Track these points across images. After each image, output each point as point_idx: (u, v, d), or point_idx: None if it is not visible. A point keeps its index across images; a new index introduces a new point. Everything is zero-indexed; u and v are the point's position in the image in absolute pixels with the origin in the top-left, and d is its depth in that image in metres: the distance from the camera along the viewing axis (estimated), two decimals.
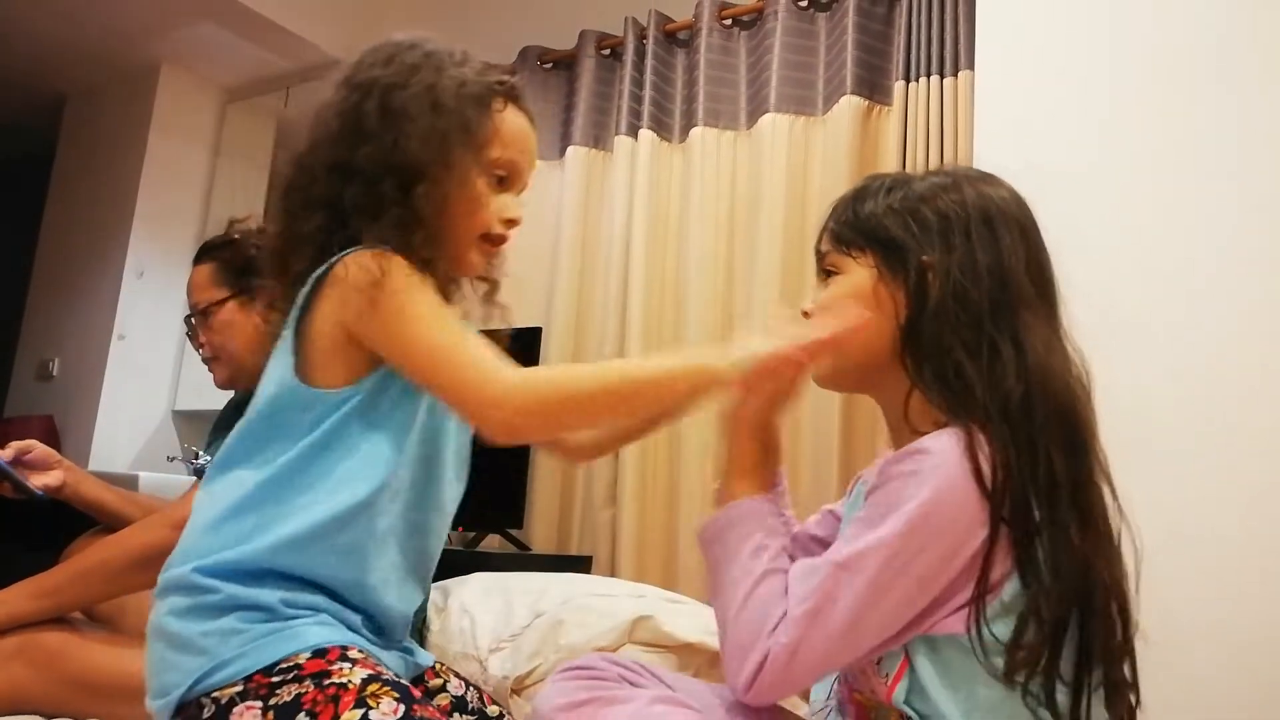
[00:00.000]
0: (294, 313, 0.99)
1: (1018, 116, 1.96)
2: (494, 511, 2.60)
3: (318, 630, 0.92)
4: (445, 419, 1.04)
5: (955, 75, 2.34)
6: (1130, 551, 0.91)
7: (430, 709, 0.90)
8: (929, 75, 2.37)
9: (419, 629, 1.70)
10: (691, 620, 1.56)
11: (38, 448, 1.47)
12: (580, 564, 2.53)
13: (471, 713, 1.09)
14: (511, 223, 1.06)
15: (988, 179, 1.01)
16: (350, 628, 0.95)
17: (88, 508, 1.51)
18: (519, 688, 1.49)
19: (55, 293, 3.71)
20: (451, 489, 1.07)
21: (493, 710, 1.11)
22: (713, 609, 0.96)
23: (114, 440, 3.41)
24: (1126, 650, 0.89)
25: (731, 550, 0.94)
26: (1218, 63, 1.78)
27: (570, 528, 2.72)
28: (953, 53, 2.35)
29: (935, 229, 0.95)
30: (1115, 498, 0.91)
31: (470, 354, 0.91)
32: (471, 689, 1.12)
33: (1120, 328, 1.67)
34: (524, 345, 2.64)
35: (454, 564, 1.92)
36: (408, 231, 0.97)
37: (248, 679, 0.87)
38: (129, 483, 2.58)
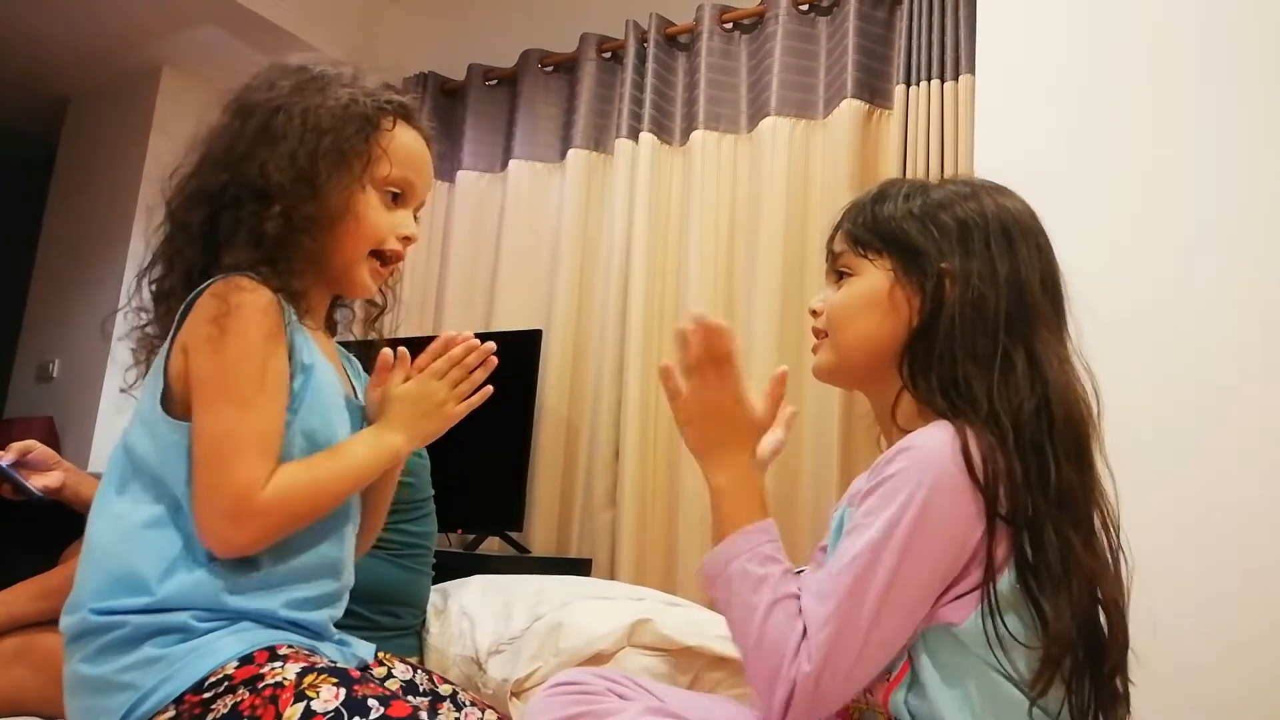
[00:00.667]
0: (170, 335, 1.00)
1: (1018, 120, 1.96)
2: (493, 514, 2.59)
3: (240, 637, 0.90)
4: (327, 441, 1.01)
5: (956, 79, 2.34)
6: (1123, 567, 0.92)
7: (373, 685, 0.88)
8: (930, 79, 2.37)
9: (417, 632, 1.69)
10: (691, 623, 1.56)
11: (38, 448, 1.47)
12: (580, 566, 2.52)
13: (424, 694, 1.08)
14: (407, 240, 1.07)
15: (1003, 191, 1.01)
16: (274, 628, 0.94)
17: (87, 509, 1.51)
18: (519, 690, 1.49)
19: (56, 294, 3.71)
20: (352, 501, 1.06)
21: (445, 689, 1.10)
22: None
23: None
24: (1123, 663, 0.90)
25: (735, 588, 0.91)
26: (1218, 67, 1.78)
27: (570, 530, 2.71)
28: (953, 57, 2.35)
29: (955, 236, 0.96)
30: (1116, 530, 0.92)
31: (240, 459, 0.91)
32: (420, 672, 1.10)
33: (1121, 330, 1.67)
34: (524, 348, 2.64)
35: (454, 566, 1.93)
36: (260, 251, 0.98)
37: (178, 701, 0.85)
38: None
